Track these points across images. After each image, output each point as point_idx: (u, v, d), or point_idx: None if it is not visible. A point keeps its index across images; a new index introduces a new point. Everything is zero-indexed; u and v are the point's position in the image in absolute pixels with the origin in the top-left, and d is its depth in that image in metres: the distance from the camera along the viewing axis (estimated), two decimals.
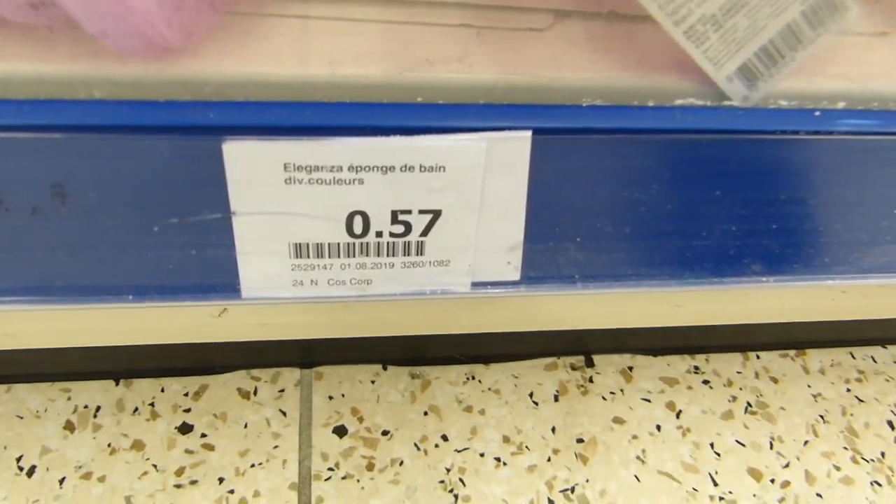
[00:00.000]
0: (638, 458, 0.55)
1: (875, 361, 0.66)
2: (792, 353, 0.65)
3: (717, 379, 0.62)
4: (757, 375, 0.63)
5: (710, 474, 0.55)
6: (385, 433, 0.55)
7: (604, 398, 0.59)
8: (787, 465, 0.57)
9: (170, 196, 0.28)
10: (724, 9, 0.27)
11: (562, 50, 0.31)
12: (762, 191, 0.32)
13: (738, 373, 0.63)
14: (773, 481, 0.56)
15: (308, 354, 0.58)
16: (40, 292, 0.30)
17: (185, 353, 0.56)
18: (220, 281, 0.31)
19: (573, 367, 0.61)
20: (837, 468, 0.57)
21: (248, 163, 0.27)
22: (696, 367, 0.63)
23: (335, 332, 0.56)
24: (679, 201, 0.32)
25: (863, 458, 0.58)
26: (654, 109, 0.29)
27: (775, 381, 0.63)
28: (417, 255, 0.31)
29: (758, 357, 0.64)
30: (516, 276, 0.32)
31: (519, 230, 0.31)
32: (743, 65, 0.29)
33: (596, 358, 0.62)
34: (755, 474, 0.56)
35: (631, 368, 0.62)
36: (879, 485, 0.57)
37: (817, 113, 0.31)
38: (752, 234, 0.34)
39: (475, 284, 0.33)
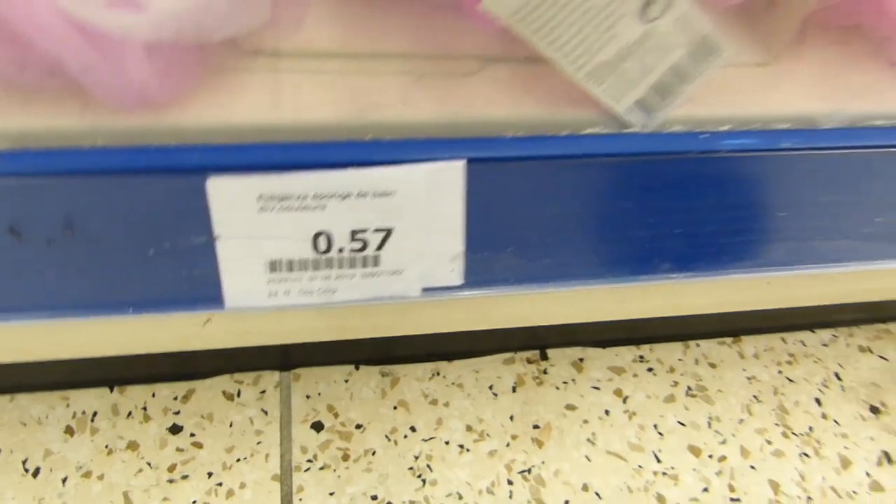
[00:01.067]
0: (588, 440, 0.61)
1: (805, 345, 0.72)
2: (729, 340, 0.72)
3: (660, 366, 0.68)
4: (696, 362, 0.69)
5: (653, 453, 0.61)
6: (358, 427, 0.60)
7: (557, 388, 0.65)
8: (723, 442, 0.63)
9: (162, 225, 0.34)
10: (615, 57, 0.33)
11: (490, 90, 0.37)
12: (663, 202, 0.38)
13: (680, 360, 0.69)
14: (710, 456, 0.62)
15: (286, 358, 0.64)
16: (54, 308, 0.35)
17: (173, 361, 0.61)
18: (207, 294, 0.36)
19: (529, 361, 0.67)
20: (769, 442, 0.63)
21: (228, 195, 0.32)
22: (641, 357, 0.69)
23: (310, 336, 0.61)
24: (593, 214, 0.38)
25: (792, 433, 0.64)
26: (566, 138, 0.35)
27: (713, 366, 0.69)
28: (374, 266, 0.36)
29: (697, 345, 0.71)
30: (460, 281, 0.38)
31: (459, 242, 0.37)
32: (639, 99, 0.35)
33: (550, 352, 0.68)
34: (695, 451, 0.62)
35: (582, 360, 0.68)
36: (808, 456, 0.63)
37: (705, 135, 0.37)
38: (658, 238, 0.40)
39: (425, 290, 0.38)
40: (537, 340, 0.68)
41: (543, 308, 0.64)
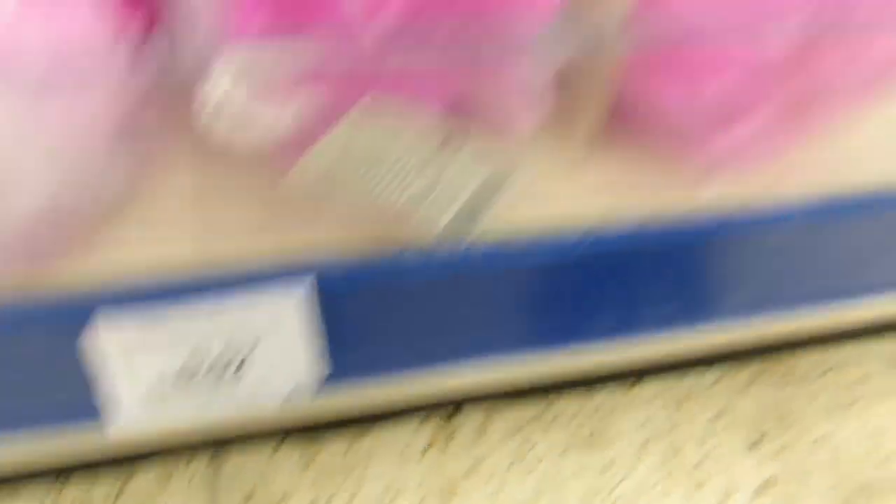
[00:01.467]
0: (493, 493, 0.67)
1: (697, 385, 0.79)
2: (629, 382, 0.78)
3: (563, 416, 0.74)
4: (597, 409, 0.75)
5: (553, 499, 0.67)
6: (282, 499, 0.66)
7: (466, 445, 0.71)
8: (620, 481, 0.69)
9: (50, 362, 0.40)
10: (422, 191, 0.40)
11: (333, 216, 0.44)
12: (485, 305, 0.45)
13: (581, 407, 0.75)
14: (607, 497, 0.68)
15: (214, 443, 0.70)
16: None
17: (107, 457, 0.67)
18: (99, 413, 0.42)
19: (441, 419, 0.73)
20: (661, 480, 0.70)
21: (102, 342, 0.39)
22: (546, 407, 0.75)
23: (229, 429, 0.67)
24: (422, 318, 0.44)
25: (682, 469, 0.71)
26: (388, 260, 0.42)
27: (612, 411, 0.75)
28: (240, 382, 0.43)
29: (601, 389, 0.77)
30: (319, 385, 0.45)
31: (315, 350, 0.43)
32: (449, 222, 0.42)
33: (462, 409, 0.74)
34: (592, 492, 0.68)
35: (489, 416, 0.74)
36: (695, 488, 0.69)
37: (513, 245, 0.44)
38: (493, 327, 0.46)
39: (291, 394, 0.45)
40: (449, 400, 0.74)
41: (447, 377, 0.71)
